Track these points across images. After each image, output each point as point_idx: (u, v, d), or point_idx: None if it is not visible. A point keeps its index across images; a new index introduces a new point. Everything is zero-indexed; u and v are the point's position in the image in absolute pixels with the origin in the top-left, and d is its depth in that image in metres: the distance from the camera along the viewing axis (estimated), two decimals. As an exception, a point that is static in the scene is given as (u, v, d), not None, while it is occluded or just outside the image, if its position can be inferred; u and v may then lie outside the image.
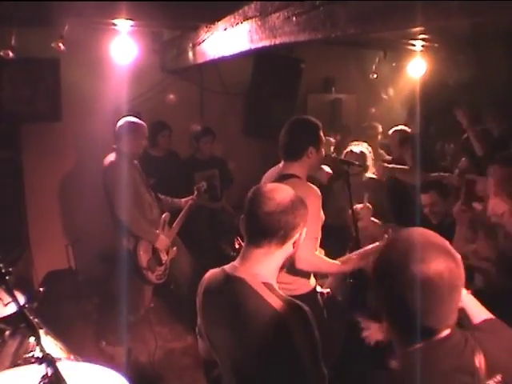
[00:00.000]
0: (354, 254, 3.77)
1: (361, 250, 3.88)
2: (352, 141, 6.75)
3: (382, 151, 7.22)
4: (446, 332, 1.65)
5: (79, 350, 3.54)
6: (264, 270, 2.31)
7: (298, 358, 2.13)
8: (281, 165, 3.74)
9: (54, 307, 5.27)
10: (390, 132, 6.68)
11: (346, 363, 3.43)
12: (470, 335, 1.70)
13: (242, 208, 6.79)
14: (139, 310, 5.24)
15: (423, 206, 4.63)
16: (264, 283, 2.26)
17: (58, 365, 2.02)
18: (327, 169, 5.56)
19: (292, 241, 2.35)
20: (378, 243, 3.87)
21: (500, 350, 1.70)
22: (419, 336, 1.63)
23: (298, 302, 2.25)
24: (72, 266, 6.81)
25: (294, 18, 3.69)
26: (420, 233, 1.71)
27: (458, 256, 1.65)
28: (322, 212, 3.58)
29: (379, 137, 7.77)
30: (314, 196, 3.44)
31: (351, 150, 5.61)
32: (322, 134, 3.70)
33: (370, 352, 3.29)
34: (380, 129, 7.81)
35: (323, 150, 3.73)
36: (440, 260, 1.59)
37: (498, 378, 1.64)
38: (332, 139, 7.01)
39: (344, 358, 3.61)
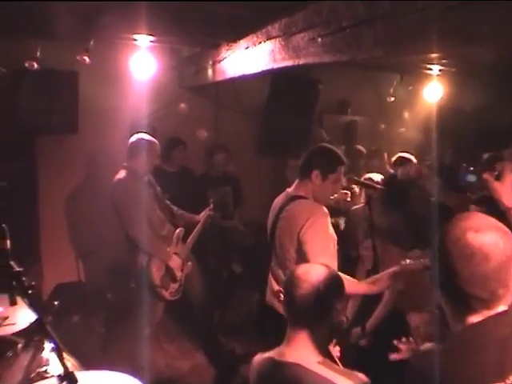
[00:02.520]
0: (382, 275, 3.73)
1: (387, 271, 3.84)
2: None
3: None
4: (503, 308, 1.68)
5: (86, 365, 3.50)
6: (313, 349, 2.33)
7: None
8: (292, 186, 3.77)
9: (61, 320, 5.24)
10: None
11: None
12: None
13: (254, 227, 6.78)
14: (149, 326, 5.17)
15: None
16: (319, 362, 2.29)
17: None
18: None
19: (330, 319, 2.38)
20: (388, 270, 3.83)
21: None
22: (475, 309, 1.67)
23: (356, 373, 2.32)
24: (81, 279, 6.77)
25: (320, 39, 3.67)
26: (476, 213, 1.87)
27: None
28: (332, 231, 3.56)
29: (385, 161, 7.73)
30: (320, 214, 3.45)
31: (370, 178, 5.56)
32: (334, 163, 3.64)
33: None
34: (385, 153, 7.77)
35: (335, 183, 3.66)
36: (495, 231, 1.68)
37: None
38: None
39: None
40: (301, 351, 2.32)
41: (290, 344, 2.36)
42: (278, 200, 3.81)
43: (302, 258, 3.43)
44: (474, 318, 1.67)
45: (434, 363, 1.67)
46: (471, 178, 5.86)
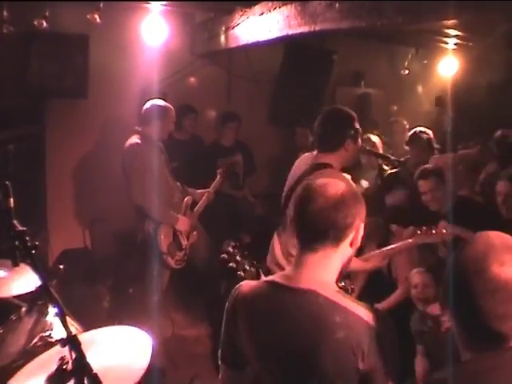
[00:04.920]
0: (376, 253, 3.69)
1: (383, 249, 3.81)
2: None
3: (407, 147, 7.05)
4: None
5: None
6: (329, 276, 2.04)
7: (384, 369, 1.91)
8: (314, 153, 3.62)
9: (67, 286, 5.22)
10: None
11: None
12: None
13: (263, 197, 6.72)
14: (155, 293, 5.14)
15: (422, 193, 4.53)
16: (337, 291, 2.01)
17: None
18: (365, 184, 5.42)
19: (348, 241, 2.03)
20: (399, 244, 3.81)
21: None
22: (491, 342, 1.56)
23: (383, 311, 2.14)
24: (88, 246, 6.74)
25: (337, 5, 3.57)
26: (498, 235, 1.64)
27: None
28: None
29: (406, 133, 7.62)
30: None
31: (369, 137, 5.51)
32: (358, 125, 3.57)
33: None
34: (406, 125, 7.66)
35: (360, 140, 3.61)
36: None
37: None
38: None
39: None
40: (315, 277, 1.99)
41: (300, 269, 2.02)
42: (300, 165, 3.70)
43: None
44: (487, 350, 1.58)
45: None
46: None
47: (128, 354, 2.32)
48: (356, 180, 5.22)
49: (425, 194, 4.49)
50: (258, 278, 2.73)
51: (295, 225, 2.08)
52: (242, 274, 2.76)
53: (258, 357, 2.06)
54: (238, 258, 2.81)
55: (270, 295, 2.04)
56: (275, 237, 3.87)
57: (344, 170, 3.59)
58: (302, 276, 2.01)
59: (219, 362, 2.23)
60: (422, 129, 6.03)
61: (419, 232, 3.82)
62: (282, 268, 3.59)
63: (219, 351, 2.22)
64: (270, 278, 2.13)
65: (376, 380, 1.89)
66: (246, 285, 2.14)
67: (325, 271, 2.02)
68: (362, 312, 1.93)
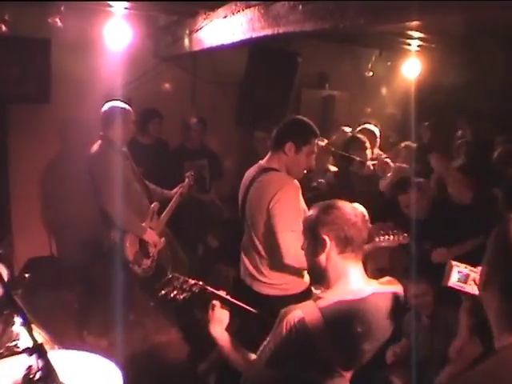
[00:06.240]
0: None
1: None
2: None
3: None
4: None
5: (60, 340, 3.41)
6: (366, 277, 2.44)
7: None
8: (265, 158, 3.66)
9: (33, 295, 5.14)
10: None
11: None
12: None
13: (231, 201, 6.72)
14: (124, 301, 5.05)
15: (404, 207, 4.54)
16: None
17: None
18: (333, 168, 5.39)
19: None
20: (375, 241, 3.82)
21: None
22: None
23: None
24: (54, 254, 6.66)
25: (300, 7, 3.60)
26: None
27: None
28: (302, 204, 3.49)
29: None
30: (290, 187, 3.37)
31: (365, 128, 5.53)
32: (308, 135, 3.52)
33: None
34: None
35: (308, 155, 3.54)
36: None
37: None
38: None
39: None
40: (365, 280, 2.35)
41: (354, 279, 2.31)
42: (250, 172, 3.69)
43: (270, 231, 3.34)
44: None
45: None
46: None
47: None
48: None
49: (407, 207, 4.49)
50: (205, 295, 2.87)
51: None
52: (186, 295, 2.86)
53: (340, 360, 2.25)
54: (181, 284, 2.85)
55: (348, 312, 2.23)
56: (242, 252, 3.82)
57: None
58: (359, 285, 2.31)
59: (265, 368, 2.30)
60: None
61: (377, 239, 3.84)
62: (256, 279, 3.58)
63: (268, 358, 2.28)
64: (336, 298, 2.25)
65: None
66: (308, 311, 2.21)
67: (362, 274, 2.36)
68: (395, 288, 2.41)
